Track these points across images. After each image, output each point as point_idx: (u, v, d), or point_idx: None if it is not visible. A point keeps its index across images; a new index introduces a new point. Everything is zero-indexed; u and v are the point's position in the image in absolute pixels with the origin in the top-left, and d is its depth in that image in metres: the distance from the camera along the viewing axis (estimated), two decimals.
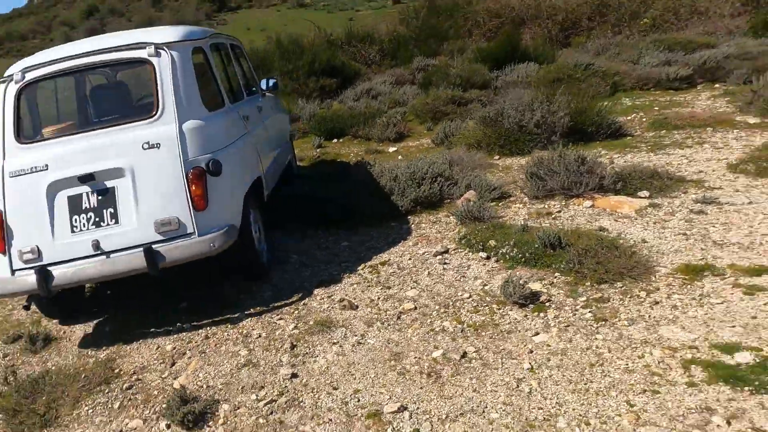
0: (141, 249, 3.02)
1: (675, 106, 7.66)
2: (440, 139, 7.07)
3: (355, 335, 3.02)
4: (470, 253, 3.81)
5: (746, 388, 2.23)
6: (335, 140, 8.08)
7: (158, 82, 3.23)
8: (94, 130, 3.27)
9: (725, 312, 2.77)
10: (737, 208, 3.96)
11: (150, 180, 3.10)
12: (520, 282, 3.15)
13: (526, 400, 2.35)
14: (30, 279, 3.02)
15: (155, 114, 3.20)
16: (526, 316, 2.99)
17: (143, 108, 3.54)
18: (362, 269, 3.81)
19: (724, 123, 6.23)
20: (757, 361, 2.36)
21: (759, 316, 2.69)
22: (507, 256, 3.63)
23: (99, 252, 3.06)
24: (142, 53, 3.29)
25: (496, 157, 6.12)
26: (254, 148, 4.01)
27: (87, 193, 3.11)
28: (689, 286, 3.04)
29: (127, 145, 3.12)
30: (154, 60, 3.26)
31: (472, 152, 6.36)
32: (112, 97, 4.04)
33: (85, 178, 3.09)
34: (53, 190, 3.10)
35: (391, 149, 7.19)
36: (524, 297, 3.08)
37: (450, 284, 3.44)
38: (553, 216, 4.25)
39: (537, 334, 2.82)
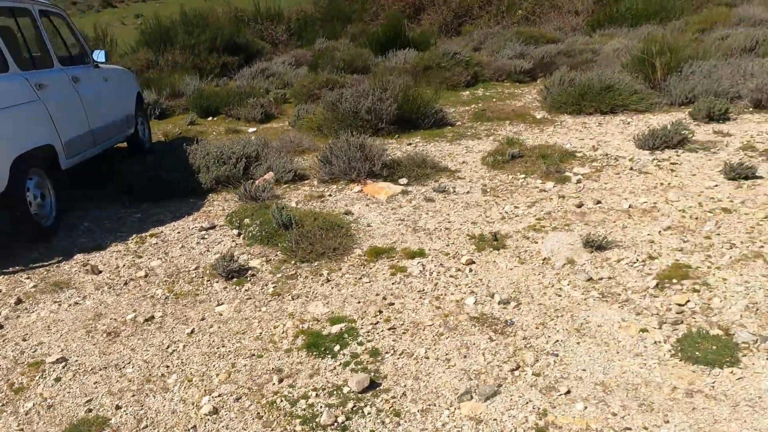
0: None
1: (508, 98, 8.00)
2: (294, 121, 7.25)
3: (79, 296, 3.25)
4: (229, 230, 4.06)
5: (318, 352, 2.56)
6: (210, 118, 8.16)
7: None
8: None
9: (366, 290, 3.09)
10: (455, 197, 4.30)
11: None
12: (232, 257, 3.43)
13: (163, 359, 2.64)
14: None
15: None
16: (225, 288, 3.27)
17: None
18: (132, 239, 4.02)
19: (521, 117, 6.59)
20: (343, 331, 2.70)
21: (381, 293, 3.03)
22: (251, 234, 3.89)
23: None
24: None
25: (330, 141, 6.34)
26: (44, 115, 4.06)
27: None
28: (363, 267, 3.36)
29: None
30: None
31: (312, 135, 6.58)
32: None
33: None
34: None
35: (251, 130, 7.34)
36: (231, 271, 3.35)
37: (192, 258, 3.68)
38: (323, 199, 4.52)
39: (221, 304, 3.09)
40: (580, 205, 3.95)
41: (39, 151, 3.98)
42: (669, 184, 4.22)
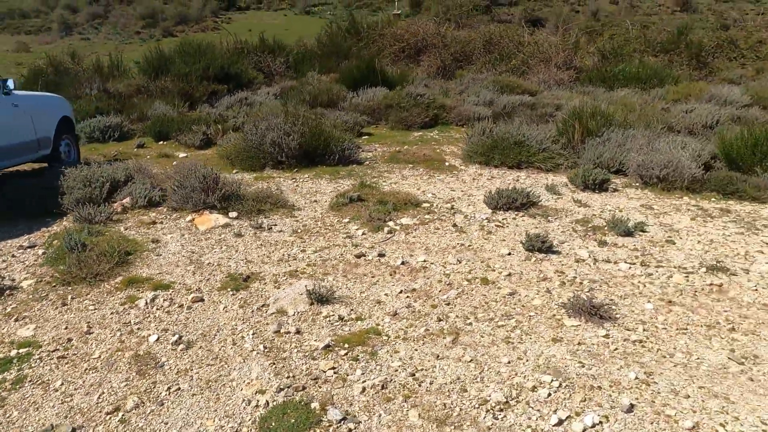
0: None
1: (446, 142, 7.98)
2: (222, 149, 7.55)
3: None
4: (40, 251, 4.30)
5: None
6: (161, 142, 8.60)
7: None
8: None
9: (81, 318, 3.24)
10: (265, 234, 4.41)
11: None
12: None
13: None
14: None
15: None
16: None
17: None
18: None
19: (428, 162, 6.60)
20: (21, 355, 2.85)
21: (92, 321, 3.18)
22: (47, 255, 4.11)
23: None
24: None
25: (234, 171, 6.57)
26: None
27: None
28: (107, 294, 3.51)
29: None
30: None
31: (222, 163, 6.84)
32: None
33: None
34: None
35: (182, 155, 7.68)
36: None
37: None
38: (153, 226, 4.69)
39: None
40: (359, 256, 3.94)
41: None
42: (469, 246, 4.13)
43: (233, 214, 4.76)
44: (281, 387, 2.58)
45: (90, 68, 13.09)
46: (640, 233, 4.41)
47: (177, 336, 3.01)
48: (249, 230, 4.47)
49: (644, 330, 3.04)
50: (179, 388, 2.62)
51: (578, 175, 5.54)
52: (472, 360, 2.75)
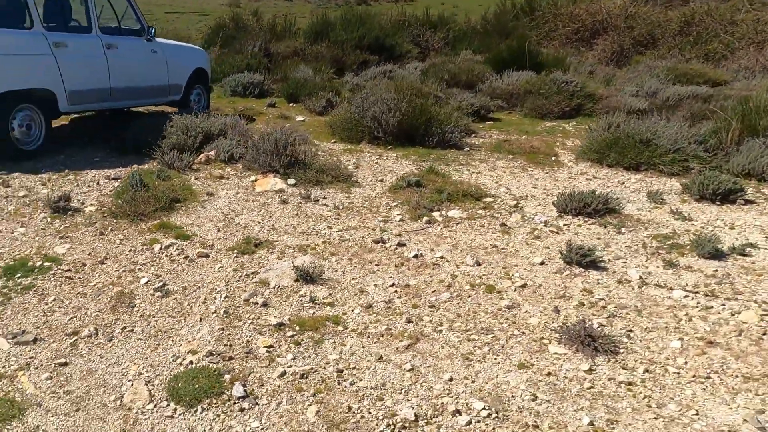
0: None
1: (574, 136, 7.29)
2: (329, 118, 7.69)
3: None
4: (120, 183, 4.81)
5: None
6: (291, 104, 9.06)
7: None
8: None
9: (101, 248, 3.57)
10: (309, 205, 4.42)
11: None
12: (69, 198, 4.17)
13: None
14: None
15: None
16: (43, 218, 4.04)
17: None
18: (52, 174, 5.04)
19: (533, 155, 6.11)
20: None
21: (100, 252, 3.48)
22: (116, 190, 4.58)
23: None
24: None
25: (333, 140, 6.67)
26: (52, 66, 5.24)
27: None
28: (135, 234, 3.82)
29: None
30: None
31: (324, 131, 7.01)
32: None
33: None
34: None
35: (300, 118, 8.01)
36: (58, 207, 4.09)
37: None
38: (222, 179, 4.98)
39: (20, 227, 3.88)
40: (378, 242, 3.77)
41: (36, 91, 5.23)
42: (503, 249, 3.73)
43: (291, 181, 4.86)
44: (212, 352, 2.60)
45: (265, 27, 14.15)
46: (737, 257, 3.59)
47: (161, 284, 3.18)
48: (296, 198, 4.53)
49: (645, 371, 2.50)
50: (132, 330, 2.78)
51: (695, 181, 4.67)
52: (412, 369, 2.51)
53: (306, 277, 3.22)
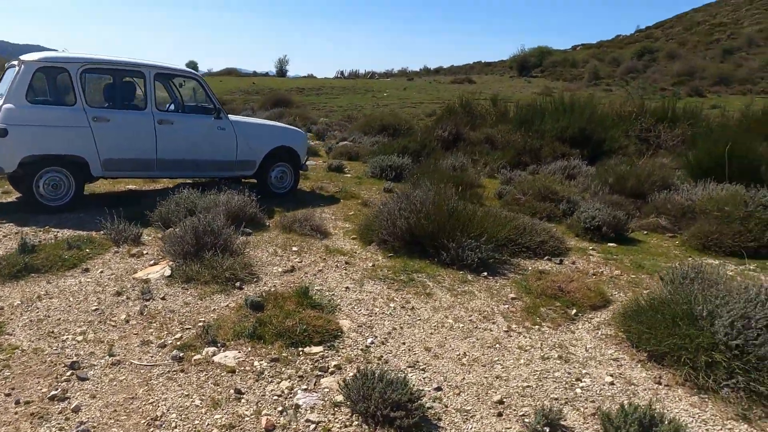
0: None
1: None
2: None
3: None
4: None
5: None
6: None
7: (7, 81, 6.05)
8: None
9: None
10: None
11: None
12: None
13: None
14: None
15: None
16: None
17: None
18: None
19: (570, 301, 4.22)
20: None
21: None
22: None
23: None
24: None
25: (351, 236, 5.79)
26: (87, 137, 6.00)
27: None
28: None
29: None
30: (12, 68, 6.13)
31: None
32: None
33: None
34: None
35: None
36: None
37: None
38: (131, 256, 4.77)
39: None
40: None
41: (67, 156, 6.02)
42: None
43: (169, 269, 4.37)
44: None
45: (484, 111, 13.76)
46: None
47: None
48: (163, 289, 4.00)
49: None
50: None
51: None
52: None
53: None
